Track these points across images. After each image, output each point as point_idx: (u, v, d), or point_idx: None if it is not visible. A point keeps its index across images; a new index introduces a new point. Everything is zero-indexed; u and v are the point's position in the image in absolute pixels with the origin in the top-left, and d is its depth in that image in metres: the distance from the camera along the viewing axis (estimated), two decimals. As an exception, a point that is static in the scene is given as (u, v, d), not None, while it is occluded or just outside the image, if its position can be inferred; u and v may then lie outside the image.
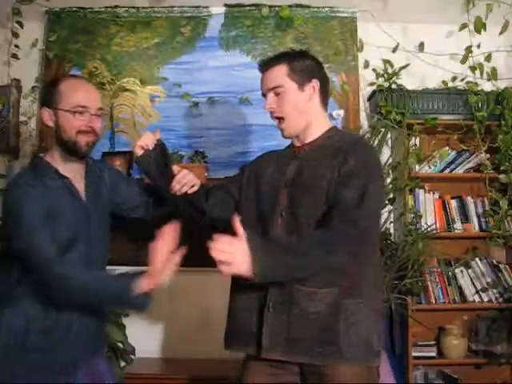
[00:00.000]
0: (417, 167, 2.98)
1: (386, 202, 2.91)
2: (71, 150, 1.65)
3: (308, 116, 1.66)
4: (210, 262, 1.41)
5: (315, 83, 1.65)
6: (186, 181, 1.76)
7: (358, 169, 1.52)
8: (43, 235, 1.52)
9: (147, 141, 1.77)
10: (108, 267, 1.81)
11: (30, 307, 1.58)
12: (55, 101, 1.64)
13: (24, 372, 1.55)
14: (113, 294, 1.54)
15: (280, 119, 1.67)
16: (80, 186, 1.70)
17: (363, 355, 1.52)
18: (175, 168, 1.80)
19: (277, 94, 1.64)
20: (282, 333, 1.52)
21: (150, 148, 1.76)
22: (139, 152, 1.76)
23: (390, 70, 3.03)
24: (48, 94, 1.68)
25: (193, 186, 1.77)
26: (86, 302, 1.57)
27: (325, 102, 1.71)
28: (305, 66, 1.64)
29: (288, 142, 1.78)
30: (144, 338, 2.87)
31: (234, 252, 1.35)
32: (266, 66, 1.67)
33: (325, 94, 1.70)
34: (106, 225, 1.80)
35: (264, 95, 1.70)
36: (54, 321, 1.60)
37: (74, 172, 1.69)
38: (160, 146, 1.78)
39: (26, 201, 1.54)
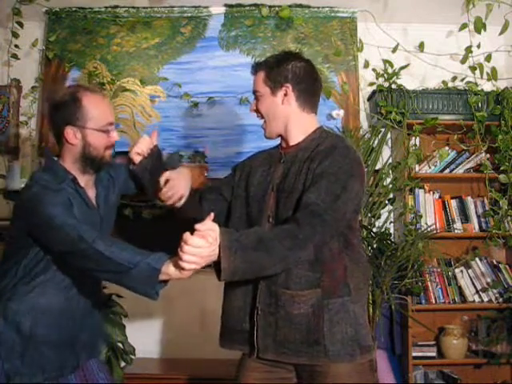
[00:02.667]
0: (417, 167, 2.98)
1: (386, 202, 2.92)
2: (96, 165, 1.68)
3: (284, 119, 1.67)
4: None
5: (286, 88, 1.65)
6: (171, 194, 1.73)
7: (330, 169, 1.54)
8: (76, 223, 1.53)
9: (143, 147, 1.78)
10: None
11: (37, 301, 1.60)
12: (81, 119, 1.62)
13: (29, 366, 1.58)
14: (143, 270, 1.45)
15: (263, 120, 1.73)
16: (92, 193, 1.73)
17: (349, 352, 1.54)
18: (165, 176, 1.74)
19: (256, 98, 1.71)
20: (272, 334, 1.56)
21: (146, 154, 1.77)
22: (136, 158, 1.78)
23: (390, 70, 3.03)
24: (70, 112, 1.63)
25: (181, 198, 1.75)
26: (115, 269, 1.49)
27: (309, 104, 1.69)
28: (280, 71, 1.66)
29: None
30: (144, 338, 2.87)
31: (202, 254, 1.35)
32: (252, 70, 1.74)
33: (306, 96, 1.68)
34: (111, 228, 1.85)
35: None
36: (60, 316, 1.63)
37: (87, 181, 1.71)
38: (156, 151, 1.80)
39: (49, 197, 1.55)
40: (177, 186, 1.73)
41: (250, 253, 1.40)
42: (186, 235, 1.34)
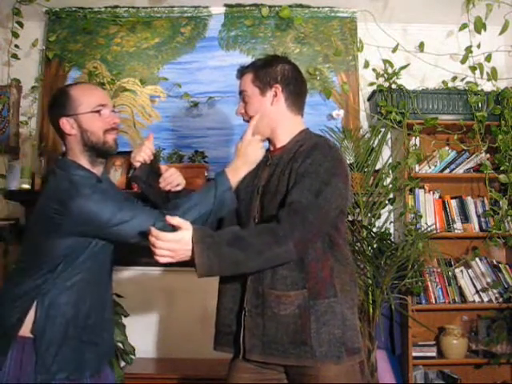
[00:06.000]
0: (417, 167, 2.98)
1: (386, 202, 2.92)
2: (101, 151, 1.66)
3: (272, 121, 1.68)
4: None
5: (276, 88, 1.66)
6: (171, 180, 1.81)
7: (312, 168, 1.54)
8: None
9: (145, 156, 1.80)
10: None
11: (73, 299, 1.60)
12: (72, 108, 1.63)
13: (57, 364, 1.57)
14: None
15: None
16: None
17: (336, 354, 1.53)
18: (163, 167, 1.85)
19: (244, 100, 1.70)
20: (259, 335, 1.56)
21: (147, 159, 1.80)
22: (138, 165, 1.81)
23: (390, 70, 3.03)
24: (61, 104, 1.64)
25: (178, 185, 1.82)
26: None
27: (296, 106, 1.70)
28: (269, 72, 1.67)
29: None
30: (144, 338, 2.87)
31: (175, 249, 1.40)
32: (238, 73, 1.73)
33: (294, 98, 1.69)
34: None
35: None
36: (91, 316, 1.64)
37: (100, 174, 1.71)
38: (150, 163, 1.81)
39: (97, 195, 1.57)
40: (175, 174, 1.82)
41: (223, 248, 1.42)
42: (156, 231, 1.38)
